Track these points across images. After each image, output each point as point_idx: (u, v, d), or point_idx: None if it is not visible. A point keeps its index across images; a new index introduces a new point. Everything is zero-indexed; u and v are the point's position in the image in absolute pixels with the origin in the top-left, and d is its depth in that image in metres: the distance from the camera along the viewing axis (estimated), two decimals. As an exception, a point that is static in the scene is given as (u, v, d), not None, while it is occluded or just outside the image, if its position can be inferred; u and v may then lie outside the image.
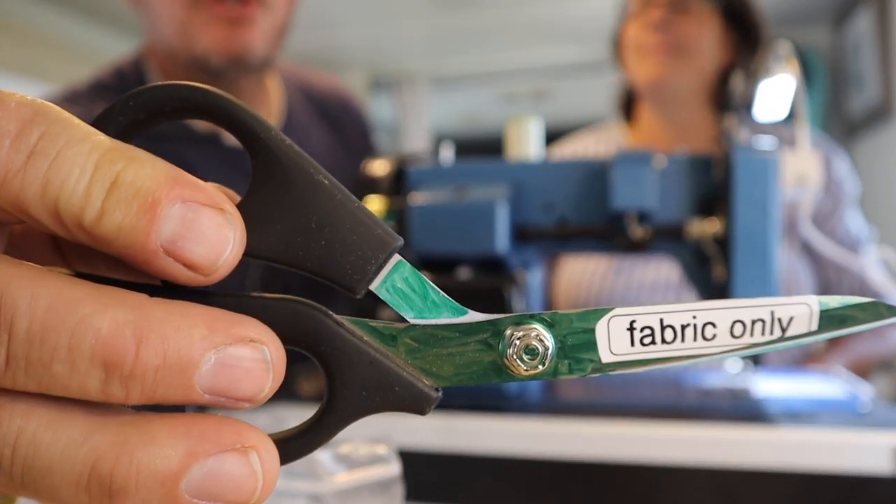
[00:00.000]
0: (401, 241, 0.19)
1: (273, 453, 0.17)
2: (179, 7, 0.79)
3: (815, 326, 0.19)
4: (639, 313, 0.20)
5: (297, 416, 0.64)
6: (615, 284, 1.05)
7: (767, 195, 0.61)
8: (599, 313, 0.20)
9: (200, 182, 0.16)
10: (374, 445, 0.41)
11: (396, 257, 0.19)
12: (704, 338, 0.19)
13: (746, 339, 0.19)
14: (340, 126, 1.03)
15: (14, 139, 0.15)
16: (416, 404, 0.19)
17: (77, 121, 0.16)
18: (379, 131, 1.12)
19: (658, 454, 0.56)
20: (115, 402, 0.16)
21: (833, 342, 1.08)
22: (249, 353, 0.16)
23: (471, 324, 0.20)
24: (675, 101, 1.08)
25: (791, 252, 1.04)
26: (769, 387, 0.72)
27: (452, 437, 0.59)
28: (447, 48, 3.59)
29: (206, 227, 0.16)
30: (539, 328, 0.20)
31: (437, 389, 0.19)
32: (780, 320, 0.19)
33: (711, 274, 0.66)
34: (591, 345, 0.20)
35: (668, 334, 0.20)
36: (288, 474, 0.38)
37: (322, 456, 0.39)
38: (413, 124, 4.00)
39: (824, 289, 1.07)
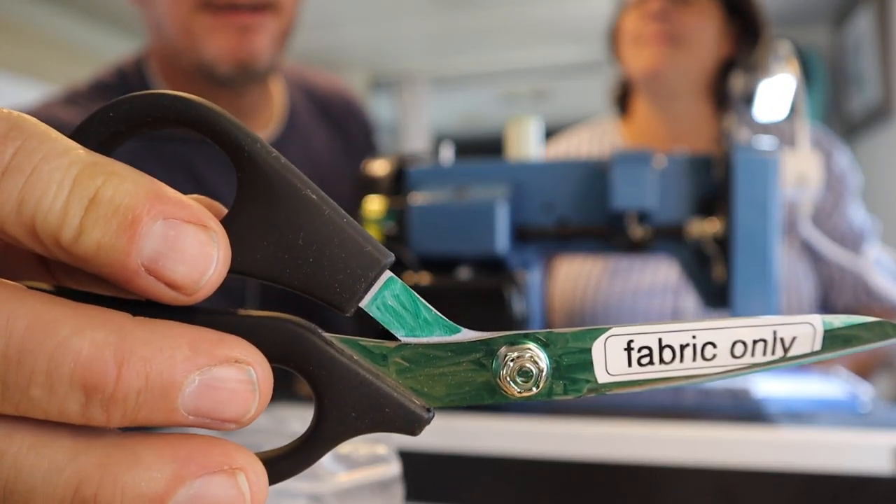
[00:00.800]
0: (392, 258, 0.18)
1: (261, 474, 0.17)
2: (186, 11, 0.77)
3: (818, 346, 0.19)
4: (637, 333, 0.19)
5: (296, 416, 0.64)
6: (611, 289, 1.04)
7: (767, 195, 0.61)
8: (596, 333, 0.19)
9: (183, 198, 0.16)
10: (374, 445, 0.41)
11: (387, 274, 0.18)
12: (704, 358, 0.19)
13: (747, 360, 0.19)
14: (343, 125, 1.02)
15: None
16: (407, 425, 0.19)
17: (55, 134, 0.15)
18: (379, 131, 1.12)
19: (658, 454, 0.56)
20: (97, 426, 0.15)
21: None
22: (234, 374, 0.16)
23: (463, 343, 0.19)
24: (672, 94, 1.07)
25: (791, 252, 1.03)
26: (769, 387, 0.72)
27: (452, 437, 0.59)
28: (447, 48, 3.59)
29: (189, 245, 0.15)
30: (533, 348, 0.19)
31: (428, 410, 0.19)
32: (782, 340, 0.19)
33: (711, 274, 0.66)
34: (587, 365, 0.19)
35: (667, 354, 0.19)
36: (288, 474, 0.38)
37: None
38: (413, 124, 4.00)
39: (826, 288, 1.07)
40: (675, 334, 0.19)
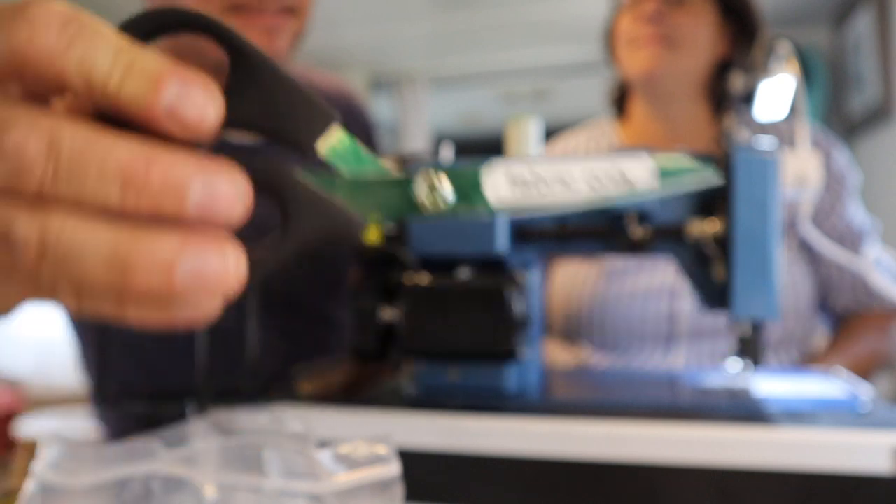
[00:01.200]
0: (337, 114, 0.26)
1: (241, 257, 0.23)
2: (215, 13, 0.76)
3: (656, 183, 0.26)
4: (515, 165, 0.26)
5: (297, 416, 0.64)
6: (607, 292, 1.04)
7: (767, 195, 0.61)
8: (485, 165, 0.28)
9: (194, 70, 0.22)
10: (374, 445, 0.41)
11: (336, 126, 0.26)
12: (570, 189, 0.26)
13: (604, 191, 0.26)
14: (342, 125, 1.02)
15: (59, 31, 0.22)
16: (349, 229, 0.25)
17: (102, 23, 0.22)
18: (379, 131, 1.12)
19: (658, 454, 0.56)
20: (129, 211, 0.21)
21: (834, 343, 1.07)
22: (228, 182, 0.22)
23: (392, 176, 0.29)
24: (668, 96, 1.06)
25: (789, 252, 1.03)
26: (769, 387, 0.72)
27: (452, 437, 0.59)
28: (447, 48, 3.59)
29: (196, 96, 0.22)
30: (440, 176, 0.28)
31: (364, 218, 0.26)
32: (625, 174, 0.26)
33: (711, 274, 0.66)
34: (481, 190, 0.27)
35: (542, 186, 0.26)
36: (288, 474, 0.38)
37: (322, 456, 0.39)
38: (413, 124, 4.00)
39: (825, 288, 1.07)
40: (545, 168, 0.26)
